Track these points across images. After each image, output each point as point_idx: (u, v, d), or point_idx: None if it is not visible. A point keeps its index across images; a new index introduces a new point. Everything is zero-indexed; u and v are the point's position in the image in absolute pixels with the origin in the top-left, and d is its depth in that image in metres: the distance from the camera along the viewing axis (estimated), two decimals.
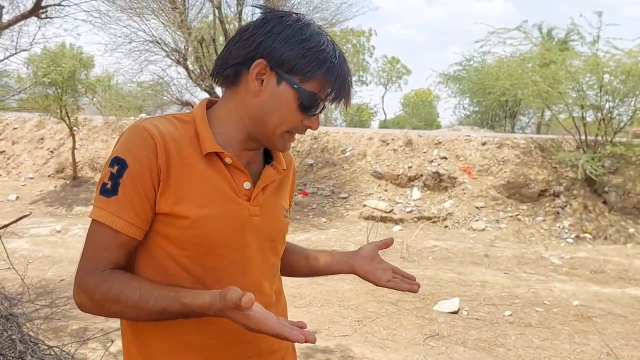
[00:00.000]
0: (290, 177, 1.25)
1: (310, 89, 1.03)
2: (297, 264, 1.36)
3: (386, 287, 1.28)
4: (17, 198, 12.39)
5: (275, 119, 1.04)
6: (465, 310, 5.31)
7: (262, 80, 1.03)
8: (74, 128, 13.15)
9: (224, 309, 0.88)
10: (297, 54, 1.01)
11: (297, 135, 1.14)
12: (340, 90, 1.05)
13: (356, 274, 1.32)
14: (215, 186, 1.04)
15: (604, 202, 9.96)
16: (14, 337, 2.65)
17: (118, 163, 0.99)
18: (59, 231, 9.07)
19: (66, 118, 12.80)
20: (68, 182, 13.33)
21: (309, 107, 1.04)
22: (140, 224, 1.01)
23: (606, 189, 10.07)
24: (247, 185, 1.08)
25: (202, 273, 1.02)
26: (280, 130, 1.06)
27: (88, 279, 0.98)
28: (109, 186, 0.99)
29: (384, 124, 31.71)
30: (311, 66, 1.02)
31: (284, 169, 1.17)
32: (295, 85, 1.02)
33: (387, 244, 1.31)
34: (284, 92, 1.03)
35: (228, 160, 1.06)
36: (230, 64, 1.05)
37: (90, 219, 1.02)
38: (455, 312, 5.24)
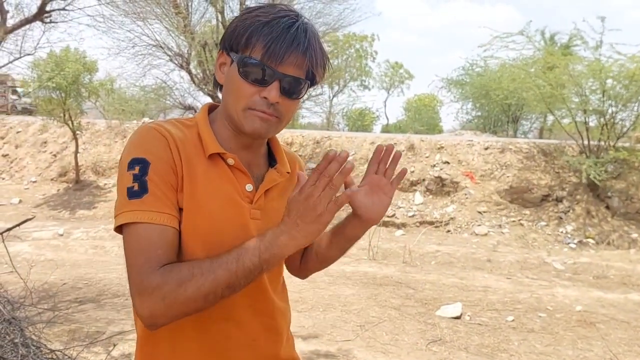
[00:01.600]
0: (295, 183, 1.19)
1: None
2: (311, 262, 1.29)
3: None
4: (20, 202, 12.43)
5: (232, 98, 1.03)
6: (468, 316, 5.29)
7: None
8: (77, 132, 13.20)
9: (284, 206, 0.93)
10: (232, 29, 1.04)
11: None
12: (274, 43, 0.97)
13: (358, 217, 1.13)
14: (218, 188, 1.04)
15: (607, 208, 9.94)
16: (16, 340, 2.65)
17: (138, 163, 0.97)
18: (62, 235, 9.09)
19: (69, 122, 12.85)
20: (71, 185, 13.37)
21: (247, 72, 1.00)
22: (177, 215, 0.99)
23: (609, 194, 10.05)
24: (249, 187, 1.07)
25: None
26: (240, 107, 1.02)
27: (151, 281, 0.91)
28: (136, 188, 0.95)
29: (386, 129, 31.71)
30: (240, 35, 1.01)
31: (288, 172, 1.15)
32: (234, 58, 1.02)
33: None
34: (232, 69, 1.03)
35: (231, 161, 1.05)
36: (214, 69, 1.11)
37: (122, 232, 0.96)
38: (457, 317, 5.22)
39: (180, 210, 0.99)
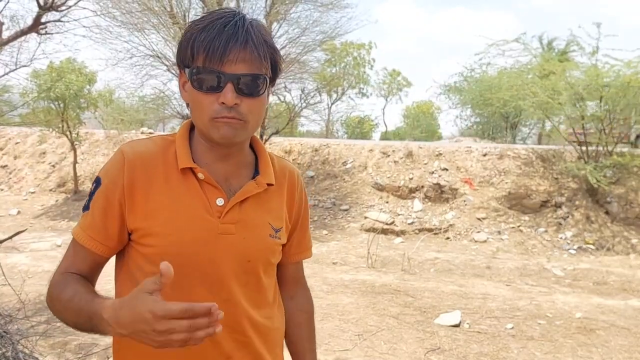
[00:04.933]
0: (284, 194, 1.17)
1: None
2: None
3: None
4: (19, 212, 12.40)
5: (196, 112, 1.03)
6: (467, 324, 5.26)
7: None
8: (76, 142, 13.21)
9: (135, 296, 0.85)
10: (179, 46, 1.04)
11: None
12: (212, 44, 0.97)
13: None
14: (184, 204, 1.03)
15: (606, 213, 9.92)
16: (7, 354, 2.62)
17: (96, 182, 1.07)
18: (60, 245, 9.04)
19: (68, 132, 12.87)
20: (69, 196, 13.35)
21: (199, 82, 0.99)
22: (103, 239, 1.05)
23: (608, 199, 10.03)
24: (220, 201, 1.06)
25: (170, 291, 0.98)
26: (205, 120, 1.01)
27: (51, 282, 1.06)
28: (86, 202, 1.08)
29: (384, 136, 31.77)
30: (185, 48, 1.01)
31: (269, 184, 1.12)
32: (186, 72, 1.02)
33: None
34: (189, 85, 1.03)
35: (201, 175, 1.05)
36: None
37: None
38: (456, 326, 5.18)
39: (133, 231, 1.05)
